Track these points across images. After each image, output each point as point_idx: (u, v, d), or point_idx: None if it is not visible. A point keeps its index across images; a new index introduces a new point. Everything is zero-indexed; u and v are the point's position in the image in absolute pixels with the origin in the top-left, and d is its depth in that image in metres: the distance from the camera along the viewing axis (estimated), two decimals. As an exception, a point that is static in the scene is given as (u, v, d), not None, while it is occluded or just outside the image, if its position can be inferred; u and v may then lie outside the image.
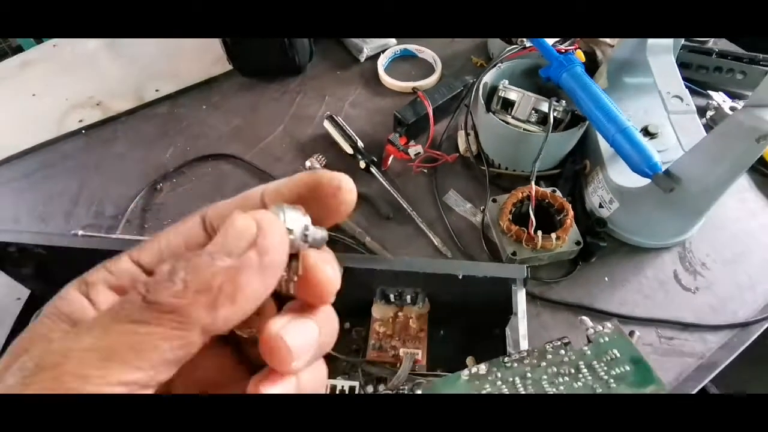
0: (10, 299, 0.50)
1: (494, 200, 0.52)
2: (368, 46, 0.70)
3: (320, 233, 0.16)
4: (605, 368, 0.28)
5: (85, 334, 0.12)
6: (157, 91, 0.69)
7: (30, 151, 0.63)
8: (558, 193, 0.50)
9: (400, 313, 0.39)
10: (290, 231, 0.15)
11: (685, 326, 0.46)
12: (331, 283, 0.15)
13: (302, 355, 0.15)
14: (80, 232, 0.51)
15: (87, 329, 0.12)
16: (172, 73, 0.72)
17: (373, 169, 0.57)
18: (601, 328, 0.29)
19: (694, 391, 0.43)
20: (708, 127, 0.58)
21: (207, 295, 0.12)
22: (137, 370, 0.12)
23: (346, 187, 0.16)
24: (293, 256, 0.15)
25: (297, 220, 0.15)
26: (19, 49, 1.45)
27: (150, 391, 0.13)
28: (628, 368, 0.27)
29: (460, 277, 0.33)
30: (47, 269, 0.42)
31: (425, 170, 0.58)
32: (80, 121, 0.66)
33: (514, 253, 0.47)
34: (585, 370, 0.28)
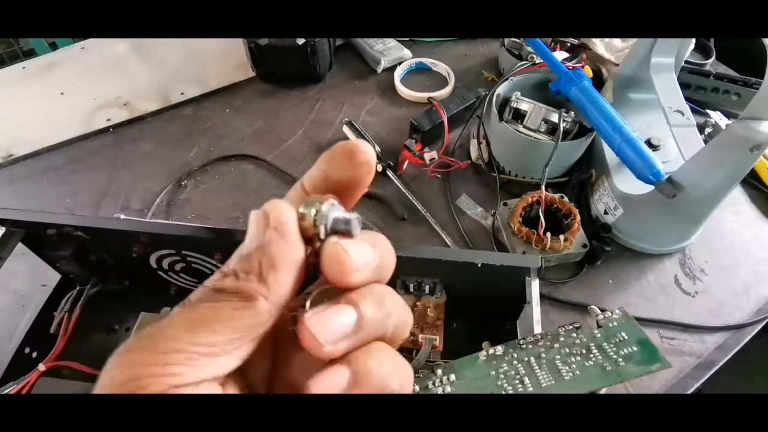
0: (36, 286, 0.52)
1: (505, 204, 0.55)
2: (385, 58, 0.74)
3: (340, 215, 0.16)
4: (614, 349, 0.30)
5: (178, 312, 0.15)
6: (182, 94, 0.73)
7: (58, 146, 0.66)
8: (566, 199, 0.53)
9: (418, 303, 0.41)
10: (302, 216, 0.16)
11: (685, 327, 0.49)
12: (346, 266, 0.16)
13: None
14: (122, 216, 0.53)
15: (179, 310, 0.15)
16: (196, 77, 0.75)
17: (390, 173, 0.60)
18: (610, 314, 0.31)
19: (693, 389, 0.45)
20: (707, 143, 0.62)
21: (254, 272, 0.15)
22: (215, 334, 0.14)
23: (362, 149, 0.17)
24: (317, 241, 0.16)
25: (311, 204, 0.16)
26: (31, 53, 1.48)
27: (230, 360, 0.15)
28: (635, 348, 0.30)
29: (479, 265, 0.35)
30: (84, 252, 0.44)
31: (439, 175, 0.61)
32: (108, 119, 0.69)
33: (524, 254, 0.50)
34: (595, 351, 0.30)
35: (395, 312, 0.17)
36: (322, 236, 0.16)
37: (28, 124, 0.69)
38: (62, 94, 0.74)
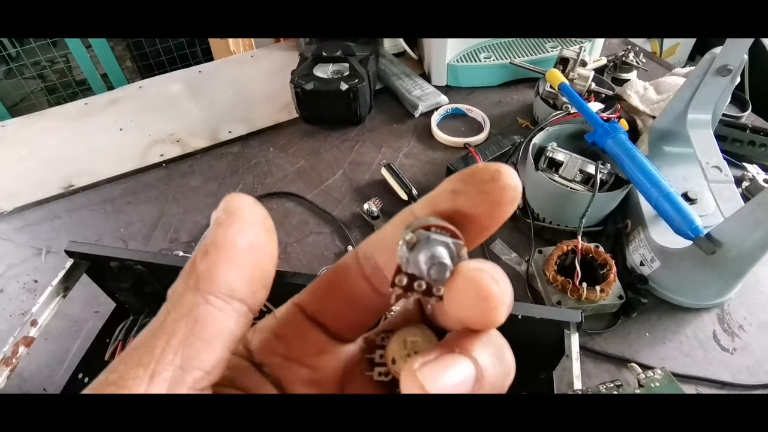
0: (89, 312, 0.55)
1: (540, 251, 0.56)
2: (423, 103, 0.77)
3: (441, 254, 0.13)
4: (656, 410, 0.30)
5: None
6: (230, 132, 0.77)
7: (116, 178, 0.71)
8: (601, 249, 0.53)
9: (455, 349, 0.42)
10: (408, 244, 0.13)
11: (723, 385, 0.48)
12: (494, 300, 0.12)
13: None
14: (180, 253, 0.57)
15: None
16: (244, 117, 0.80)
17: (425, 215, 0.62)
18: (651, 373, 0.32)
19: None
20: (744, 197, 0.62)
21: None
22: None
23: (506, 172, 0.13)
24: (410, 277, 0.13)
25: (412, 226, 0.13)
26: (83, 83, 1.56)
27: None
28: (678, 411, 0.30)
29: (520, 317, 0.36)
30: (142, 284, 0.47)
31: (473, 219, 0.63)
32: (161, 155, 0.74)
33: (558, 302, 0.51)
34: (637, 411, 0.31)
35: (513, 370, 0.14)
36: (405, 268, 0.13)
37: (89, 157, 0.75)
38: (121, 129, 0.79)
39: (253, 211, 0.14)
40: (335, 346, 0.16)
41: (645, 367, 0.47)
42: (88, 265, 0.45)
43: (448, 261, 0.13)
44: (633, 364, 0.33)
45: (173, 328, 0.12)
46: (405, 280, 0.13)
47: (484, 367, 0.12)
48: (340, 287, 0.16)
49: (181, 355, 0.12)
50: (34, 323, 0.41)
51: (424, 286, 0.13)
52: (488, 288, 0.12)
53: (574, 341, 0.36)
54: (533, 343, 0.40)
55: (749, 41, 0.53)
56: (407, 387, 0.12)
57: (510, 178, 0.13)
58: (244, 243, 0.13)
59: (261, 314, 0.15)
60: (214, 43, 1.34)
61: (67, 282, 0.44)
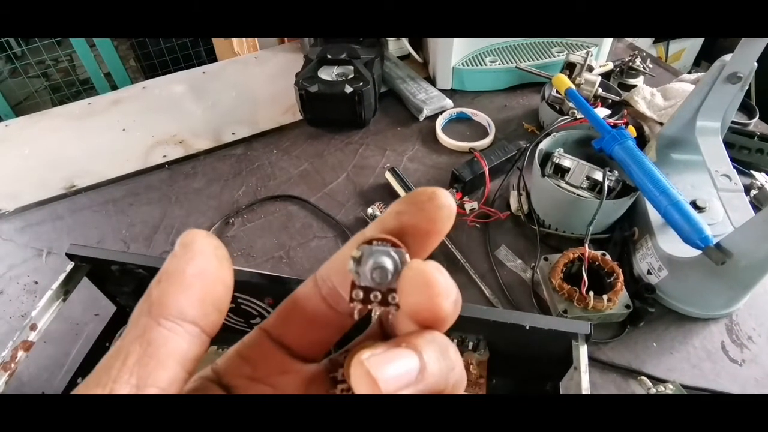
0: (89, 315, 0.55)
1: (545, 258, 0.55)
2: (428, 107, 0.77)
3: (384, 260, 0.14)
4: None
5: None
6: (233, 134, 0.77)
7: (119, 179, 0.70)
8: (608, 257, 0.52)
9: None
10: (354, 259, 0.14)
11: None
12: (436, 287, 0.14)
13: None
14: None
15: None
16: (247, 119, 0.79)
17: (430, 220, 0.61)
18: (663, 388, 0.31)
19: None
20: (753, 205, 0.61)
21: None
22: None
23: (441, 194, 0.15)
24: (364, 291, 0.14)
25: (361, 248, 0.14)
26: (86, 82, 1.56)
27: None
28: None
29: (527, 327, 0.36)
30: (143, 288, 0.46)
31: (478, 225, 0.62)
32: (164, 156, 0.74)
33: (565, 311, 0.50)
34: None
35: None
36: (358, 281, 0.14)
37: (92, 157, 0.74)
38: (124, 130, 0.79)
39: (205, 242, 0.15)
40: (299, 365, 0.17)
41: (654, 379, 0.47)
42: (89, 268, 0.45)
43: (389, 265, 0.14)
44: (643, 377, 0.33)
45: (128, 349, 0.13)
46: (361, 294, 0.15)
47: (428, 360, 0.13)
48: (302, 309, 0.17)
49: (136, 375, 0.13)
50: (33, 327, 0.41)
51: (379, 296, 0.14)
52: (432, 275, 0.13)
53: (583, 353, 0.35)
54: (540, 353, 0.40)
55: (760, 48, 0.52)
56: (356, 377, 0.13)
57: (444, 198, 0.15)
58: (194, 270, 0.14)
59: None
60: (218, 43, 1.33)
61: (68, 285, 0.44)
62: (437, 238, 0.15)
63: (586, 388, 0.34)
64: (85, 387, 0.13)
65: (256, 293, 0.43)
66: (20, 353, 0.40)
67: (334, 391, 0.15)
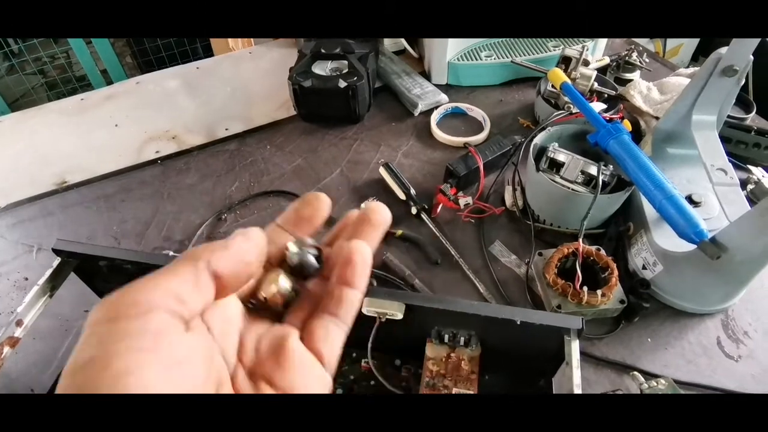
0: (79, 311, 0.54)
1: (540, 254, 0.55)
2: (422, 102, 0.76)
3: (307, 257, 0.23)
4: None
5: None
6: (227, 129, 0.76)
7: (110, 175, 0.70)
8: (603, 252, 0.52)
9: (452, 354, 0.41)
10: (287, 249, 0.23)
11: (728, 394, 0.47)
12: (385, 212, 0.25)
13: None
14: (171, 253, 0.56)
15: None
16: (241, 114, 0.79)
17: (424, 216, 0.61)
18: (655, 383, 0.31)
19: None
20: (749, 200, 0.60)
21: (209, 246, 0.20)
22: (176, 277, 0.19)
23: (321, 196, 0.25)
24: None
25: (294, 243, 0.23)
26: (82, 79, 1.56)
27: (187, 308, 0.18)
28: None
29: (518, 322, 0.35)
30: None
31: (473, 220, 0.62)
32: (157, 151, 0.73)
33: (559, 306, 0.49)
34: (639, 421, 0.29)
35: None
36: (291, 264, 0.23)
37: (84, 153, 0.74)
38: (116, 125, 0.78)
39: (259, 236, 0.22)
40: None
41: (647, 374, 0.46)
42: (76, 263, 0.44)
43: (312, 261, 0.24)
44: (635, 372, 0.32)
45: (197, 253, 0.20)
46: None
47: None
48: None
49: (209, 254, 0.19)
50: (19, 323, 0.40)
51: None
52: (381, 206, 0.25)
53: (575, 348, 0.35)
54: (532, 349, 0.39)
55: (755, 41, 0.52)
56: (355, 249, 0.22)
57: (325, 199, 0.25)
58: (243, 251, 0.21)
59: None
60: (215, 39, 1.33)
61: (54, 281, 0.43)
62: (319, 221, 0.25)
63: (577, 384, 0.33)
64: (168, 270, 0.19)
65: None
66: (6, 349, 0.39)
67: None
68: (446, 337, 0.41)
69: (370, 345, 0.38)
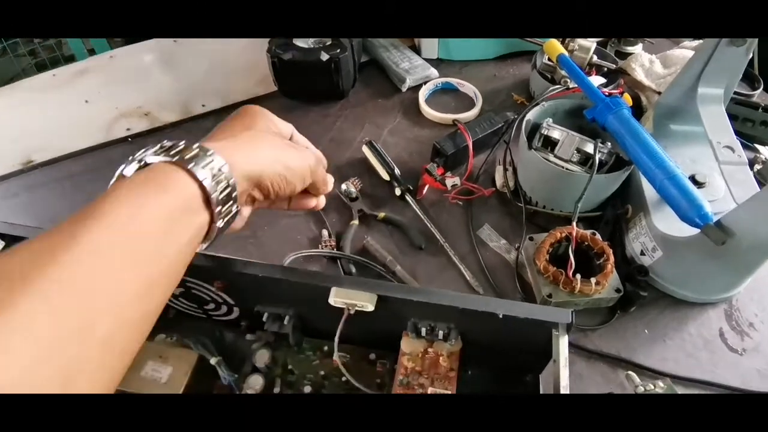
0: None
1: (531, 238, 0.51)
2: (411, 77, 0.72)
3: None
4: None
5: None
6: (203, 105, 0.72)
7: (78, 153, 0.66)
8: (598, 236, 0.48)
9: (430, 349, 0.37)
10: None
11: (731, 391, 0.43)
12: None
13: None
14: None
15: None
16: (219, 90, 0.74)
17: (408, 197, 0.57)
18: (652, 386, 0.27)
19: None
20: (757, 181, 0.56)
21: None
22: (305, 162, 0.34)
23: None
24: None
25: None
26: (71, 59, 1.51)
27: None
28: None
29: (500, 316, 0.32)
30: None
31: (460, 202, 0.58)
32: (128, 129, 0.69)
33: (549, 295, 0.46)
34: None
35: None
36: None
37: (51, 131, 0.69)
38: (86, 102, 0.74)
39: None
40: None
41: (642, 368, 0.43)
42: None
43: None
44: (631, 373, 0.29)
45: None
46: None
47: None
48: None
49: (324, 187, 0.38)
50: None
51: None
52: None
53: (563, 345, 0.31)
54: (518, 343, 0.36)
55: None
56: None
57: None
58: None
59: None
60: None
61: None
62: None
63: (565, 385, 0.30)
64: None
65: (205, 276, 0.38)
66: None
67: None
68: (423, 330, 0.37)
69: (337, 339, 0.35)
